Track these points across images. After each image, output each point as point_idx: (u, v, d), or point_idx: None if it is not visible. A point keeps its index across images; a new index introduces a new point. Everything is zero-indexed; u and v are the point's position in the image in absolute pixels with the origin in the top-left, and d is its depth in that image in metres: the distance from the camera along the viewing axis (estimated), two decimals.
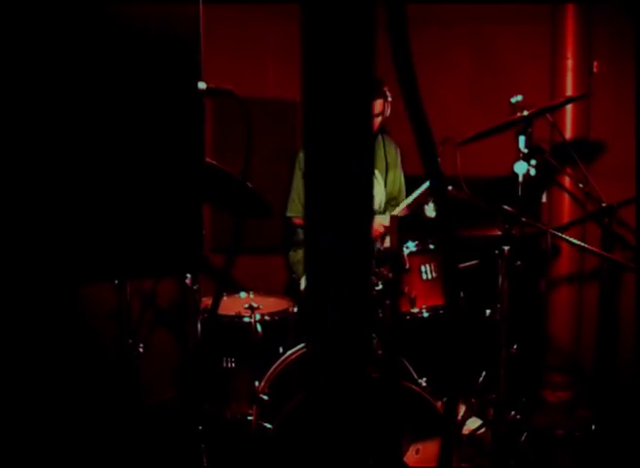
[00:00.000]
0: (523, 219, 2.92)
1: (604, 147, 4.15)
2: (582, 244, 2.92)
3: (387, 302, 2.53)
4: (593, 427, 3.60)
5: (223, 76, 4.45)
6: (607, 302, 3.60)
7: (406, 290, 2.97)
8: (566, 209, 4.16)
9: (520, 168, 3.27)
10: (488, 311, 3.45)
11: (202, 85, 2.03)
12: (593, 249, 2.94)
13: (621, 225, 3.82)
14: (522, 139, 3.29)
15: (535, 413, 4.16)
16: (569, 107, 4.10)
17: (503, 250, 2.93)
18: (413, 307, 3.17)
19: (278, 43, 4.74)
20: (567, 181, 4.12)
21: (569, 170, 4.02)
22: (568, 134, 4.13)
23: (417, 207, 3.31)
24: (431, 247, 3.24)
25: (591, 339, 3.93)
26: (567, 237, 2.95)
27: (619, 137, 4.11)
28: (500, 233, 3.35)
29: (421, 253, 3.21)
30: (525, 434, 3.51)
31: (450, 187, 3.04)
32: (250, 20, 4.60)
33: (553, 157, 3.94)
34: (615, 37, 4.10)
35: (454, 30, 4.65)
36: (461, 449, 3.49)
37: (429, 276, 3.19)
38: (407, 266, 3.15)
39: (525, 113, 3.20)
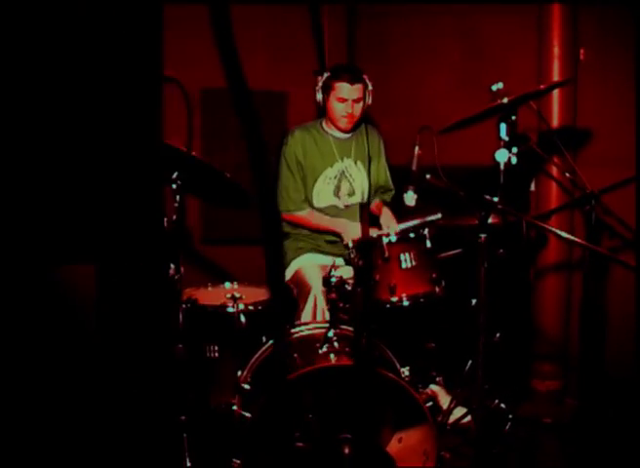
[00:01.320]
0: (499, 207, 2.91)
1: (591, 135, 4.14)
2: (560, 232, 2.91)
3: (359, 290, 2.52)
4: (579, 415, 3.60)
5: (214, 67, 4.51)
6: (589, 291, 3.59)
7: (378, 278, 3.00)
8: (553, 197, 4.14)
9: (501, 156, 3.26)
10: (474, 300, 3.45)
11: None
12: (570, 237, 2.93)
13: (608, 214, 3.83)
14: (503, 127, 3.28)
15: (523, 402, 4.17)
16: (555, 95, 4.08)
17: (480, 237, 2.93)
18: (392, 296, 3.19)
19: (268, 34, 4.76)
20: (554, 170, 4.10)
21: (555, 158, 4.00)
22: (555, 121, 4.11)
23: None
24: (411, 235, 3.26)
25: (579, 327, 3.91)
26: (545, 225, 2.95)
27: (606, 125, 4.08)
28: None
29: (401, 242, 3.22)
30: (509, 422, 3.51)
31: (428, 176, 3.04)
32: (239, 12, 4.56)
33: (540, 145, 3.94)
34: (602, 24, 4.07)
35: (443, 20, 4.64)
36: (446, 438, 3.50)
37: (409, 265, 3.21)
38: (386, 255, 3.17)
39: (505, 100, 3.19)
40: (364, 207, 2.47)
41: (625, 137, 4.00)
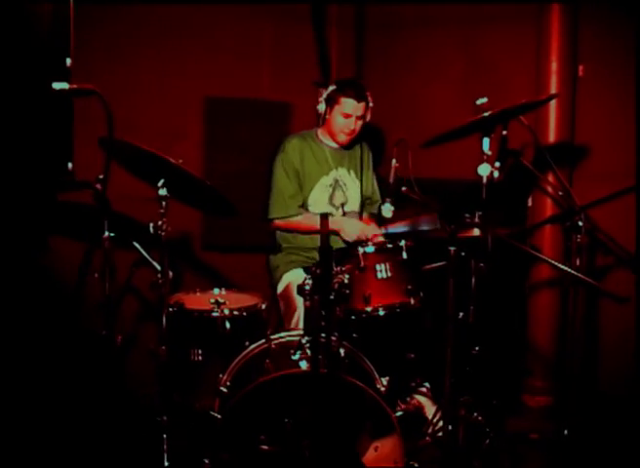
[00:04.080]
0: (467, 221, 2.94)
1: (588, 150, 4.13)
2: (533, 251, 2.93)
3: (316, 298, 2.57)
4: (566, 432, 3.58)
5: (220, 77, 4.62)
6: (581, 307, 3.58)
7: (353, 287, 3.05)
8: (547, 212, 4.15)
9: (484, 170, 3.28)
10: (461, 313, 3.46)
11: (64, 85, 2.12)
12: (538, 255, 2.94)
13: (597, 230, 3.82)
14: (486, 142, 3.29)
15: (513, 417, 4.16)
16: (553, 110, 4.10)
17: (450, 250, 2.95)
18: (367, 306, 3.23)
19: (273, 45, 4.84)
20: (548, 185, 4.10)
21: (549, 173, 4.00)
22: (551, 137, 4.13)
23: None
24: (389, 246, 3.30)
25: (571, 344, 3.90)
26: (514, 241, 2.96)
27: (604, 141, 4.10)
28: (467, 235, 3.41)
29: (377, 253, 3.26)
30: (489, 436, 3.50)
31: (403, 188, 3.08)
32: (246, 22, 4.70)
33: (535, 160, 3.95)
34: (602, 40, 4.09)
35: (447, 31, 4.70)
36: (429, 450, 3.52)
37: (385, 275, 3.24)
38: (362, 265, 3.22)
39: (485, 114, 3.20)
40: (324, 217, 2.52)
41: (624, 153, 4.01)
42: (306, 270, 2.81)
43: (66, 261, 3.81)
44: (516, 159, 3.64)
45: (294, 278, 3.91)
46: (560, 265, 3.04)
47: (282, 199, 4.00)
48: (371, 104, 3.93)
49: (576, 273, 3.01)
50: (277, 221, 4.04)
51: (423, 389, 3.83)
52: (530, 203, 4.26)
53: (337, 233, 3.86)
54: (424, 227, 3.44)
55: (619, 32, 4.01)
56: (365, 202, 4.20)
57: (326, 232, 2.49)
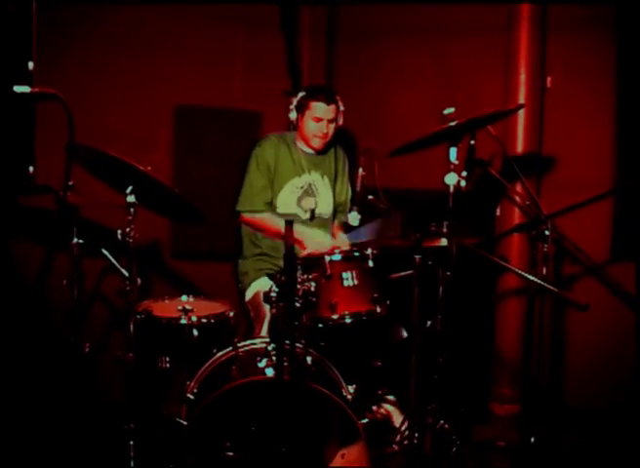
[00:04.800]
0: (432, 230, 2.97)
1: (556, 160, 4.18)
2: (496, 259, 2.95)
3: (280, 304, 2.58)
4: (532, 439, 3.61)
5: (190, 85, 4.63)
6: (546, 317, 3.61)
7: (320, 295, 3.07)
8: (516, 222, 4.18)
9: (451, 179, 3.31)
10: (429, 322, 3.49)
11: (25, 88, 2.11)
12: (504, 264, 2.97)
13: (565, 239, 3.87)
14: (453, 151, 3.33)
15: (481, 425, 4.19)
16: (521, 121, 4.15)
17: (415, 259, 2.98)
18: (333, 313, 3.24)
19: (244, 54, 4.86)
20: (516, 195, 4.15)
21: (517, 183, 4.03)
22: (519, 147, 4.18)
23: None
24: (355, 254, 3.32)
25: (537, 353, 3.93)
26: (478, 250, 2.99)
27: (573, 150, 4.14)
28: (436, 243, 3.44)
29: (343, 261, 3.28)
30: (456, 444, 3.52)
31: (370, 197, 3.10)
32: (217, 31, 4.72)
33: (503, 170, 3.98)
34: (570, 52, 4.14)
35: (417, 41, 4.74)
36: (396, 460, 3.54)
37: (351, 283, 3.26)
38: (328, 273, 3.23)
39: (452, 124, 3.24)
40: (289, 224, 2.53)
41: (593, 164, 4.06)
42: (270, 277, 2.80)
43: (28, 266, 3.78)
44: (484, 169, 3.67)
45: (262, 285, 3.91)
46: (524, 273, 3.06)
47: (250, 192, 4.00)
48: (342, 108, 3.96)
49: (538, 281, 3.03)
50: (244, 215, 4.03)
51: (392, 398, 3.84)
52: (498, 213, 4.30)
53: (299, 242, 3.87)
54: (387, 232, 3.45)
55: (588, 44, 4.05)
56: (338, 209, 4.22)
57: (289, 240, 2.49)
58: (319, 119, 3.93)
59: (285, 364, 2.68)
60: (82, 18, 4.21)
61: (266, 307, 3.67)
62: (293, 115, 3.98)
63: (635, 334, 3.92)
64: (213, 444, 2.96)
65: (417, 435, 3.33)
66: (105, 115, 4.27)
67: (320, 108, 3.91)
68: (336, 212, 4.20)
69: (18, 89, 2.52)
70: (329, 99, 3.91)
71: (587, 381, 4.12)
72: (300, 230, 3.78)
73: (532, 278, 3.04)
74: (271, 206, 4.02)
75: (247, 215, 4.02)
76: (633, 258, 3.93)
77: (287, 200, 4.03)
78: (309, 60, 5.09)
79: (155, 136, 4.57)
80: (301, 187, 4.05)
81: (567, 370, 4.19)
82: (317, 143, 4.00)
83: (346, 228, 3.87)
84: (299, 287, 3.01)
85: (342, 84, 4.91)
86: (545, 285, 3.00)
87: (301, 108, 3.95)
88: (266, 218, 3.97)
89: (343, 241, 3.88)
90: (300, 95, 3.95)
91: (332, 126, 3.97)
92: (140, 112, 4.46)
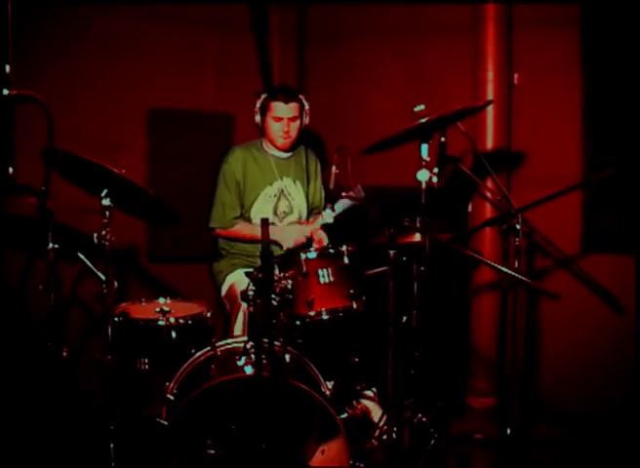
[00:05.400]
0: (405, 225, 3.01)
1: (525, 156, 4.24)
2: (469, 252, 3.00)
3: (259, 302, 2.61)
4: (509, 431, 3.66)
5: (163, 88, 4.65)
6: (519, 310, 3.66)
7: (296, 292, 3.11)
8: (488, 217, 4.23)
9: (422, 175, 3.36)
10: (404, 317, 3.52)
11: (3, 91, 2.13)
12: (476, 256, 3.02)
13: (536, 233, 3.93)
14: (424, 148, 3.38)
15: (458, 419, 4.24)
16: (490, 118, 4.20)
17: (389, 254, 3.02)
18: (310, 310, 3.27)
19: (216, 56, 4.89)
20: (487, 191, 4.20)
21: (487, 179, 4.09)
22: (489, 144, 4.23)
23: None
24: (331, 251, 3.36)
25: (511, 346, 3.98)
26: (455, 245, 3.03)
27: (542, 146, 4.19)
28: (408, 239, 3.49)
29: (319, 258, 3.32)
30: (434, 437, 3.56)
31: (343, 194, 3.14)
32: (189, 34, 4.74)
33: (473, 167, 4.03)
34: (537, 48, 4.18)
35: (386, 41, 4.80)
36: (375, 454, 3.57)
37: (327, 280, 3.30)
38: (304, 270, 3.27)
39: (422, 121, 3.28)
40: (265, 221, 2.56)
41: (563, 158, 4.11)
42: (247, 275, 2.83)
43: (7, 271, 3.79)
44: (455, 165, 3.72)
45: (236, 279, 3.98)
46: (496, 265, 3.12)
47: (221, 209, 4.06)
48: (307, 106, 4.01)
49: (510, 272, 3.09)
50: (218, 230, 4.10)
51: (370, 394, 3.88)
52: (470, 208, 4.35)
53: (277, 243, 3.92)
54: (352, 201, 3.45)
55: (554, 41, 4.11)
56: (312, 211, 4.27)
57: (266, 239, 2.52)
58: (279, 119, 3.97)
59: (264, 361, 2.72)
60: (57, 21, 4.23)
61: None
62: (257, 118, 4.03)
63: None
64: (194, 443, 2.98)
65: (395, 429, 3.38)
66: (79, 119, 4.29)
67: (279, 108, 3.95)
68: (311, 213, 4.25)
69: None
70: (287, 98, 3.95)
71: (560, 372, 4.18)
72: (273, 230, 3.83)
73: (504, 270, 3.09)
74: (245, 218, 4.07)
75: (221, 231, 4.10)
76: (607, 250, 3.98)
77: (262, 210, 4.08)
78: (280, 61, 5.13)
79: (128, 140, 4.59)
80: (275, 195, 4.09)
81: (540, 362, 4.24)
82: (281, 143, 4.05)
83: (323, 226, 3.91)
84: (275, 284, 3.05)
85: (314, 84, 4.97)
86: (518, 275, 3.05)
87: (264, 110, 4.00)
88: (240, 229, 4.05)
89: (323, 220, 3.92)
90: (262, 97, 4.00)
91: (294, 124, 4.01)
92: (115, 116, 4.48)
